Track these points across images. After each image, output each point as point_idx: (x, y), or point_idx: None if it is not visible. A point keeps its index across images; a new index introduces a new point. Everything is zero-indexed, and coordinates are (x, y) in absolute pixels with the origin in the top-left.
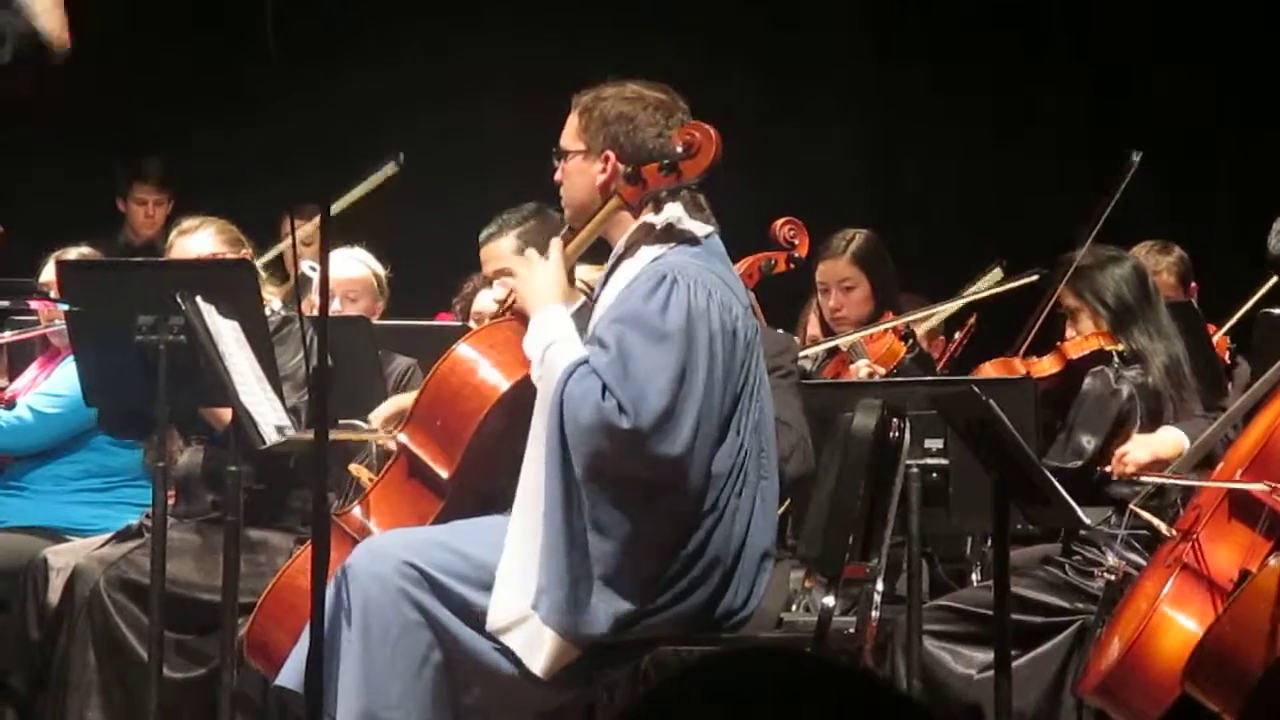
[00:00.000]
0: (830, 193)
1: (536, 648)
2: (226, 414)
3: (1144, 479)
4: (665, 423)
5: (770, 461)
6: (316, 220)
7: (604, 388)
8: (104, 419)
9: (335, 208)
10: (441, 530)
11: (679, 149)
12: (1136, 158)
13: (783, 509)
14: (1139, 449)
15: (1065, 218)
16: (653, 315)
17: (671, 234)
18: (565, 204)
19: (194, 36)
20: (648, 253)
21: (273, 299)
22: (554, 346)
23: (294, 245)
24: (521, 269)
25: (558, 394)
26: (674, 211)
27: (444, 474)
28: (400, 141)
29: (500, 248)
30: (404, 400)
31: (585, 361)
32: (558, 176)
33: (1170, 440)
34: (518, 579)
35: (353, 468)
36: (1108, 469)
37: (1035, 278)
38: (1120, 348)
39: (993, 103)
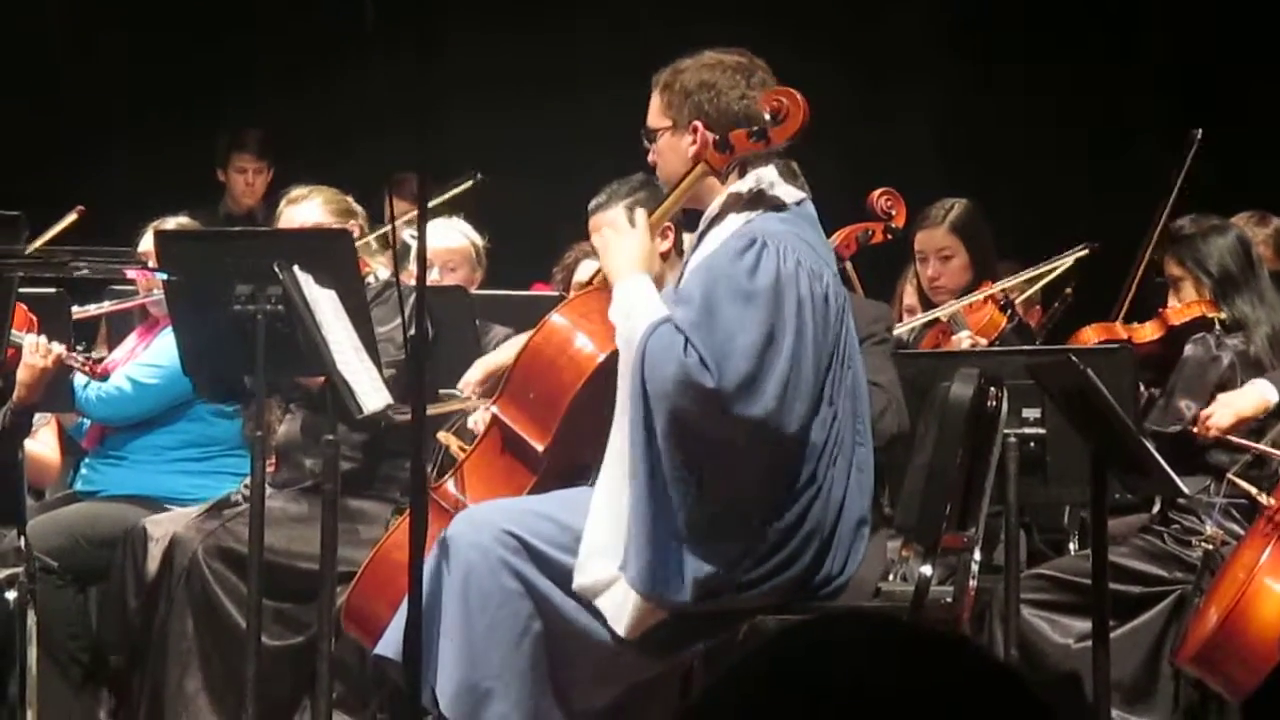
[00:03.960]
0: (920, 165)
1: (622, 610)
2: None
3: (1233, 441)
4: (749, 384)
5: (865, 427)
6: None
7: (686, 342)
8: (200, 387)
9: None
10: (541, 500)
11: (766, 115)
12: (1198, 134)
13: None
14: (1222, 412)
15: (1154, 192)
16: (741, 276)
17: (761, 200)
18: (663, 183)
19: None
20: (736, 218)
21: (380, 268)
22: (636, 311)
23: (391, 214)
24: (609, 238)
25: (639, 352)
26: (766, 176)
27: (539, 447)
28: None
29: (609, 219)
30: (490, 362)
31: (668, 320)
32: (651, 158)
33: (1254, 393)
34: (604, 540)
35: (441, 435)
36: (1194, 430)
37: (1085, 252)
38: (1223, 315)
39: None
